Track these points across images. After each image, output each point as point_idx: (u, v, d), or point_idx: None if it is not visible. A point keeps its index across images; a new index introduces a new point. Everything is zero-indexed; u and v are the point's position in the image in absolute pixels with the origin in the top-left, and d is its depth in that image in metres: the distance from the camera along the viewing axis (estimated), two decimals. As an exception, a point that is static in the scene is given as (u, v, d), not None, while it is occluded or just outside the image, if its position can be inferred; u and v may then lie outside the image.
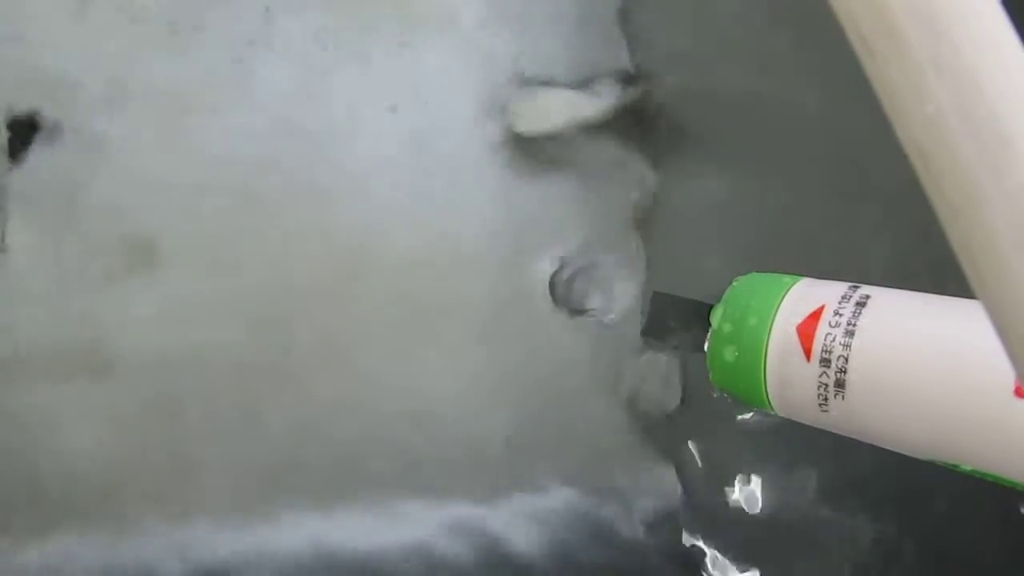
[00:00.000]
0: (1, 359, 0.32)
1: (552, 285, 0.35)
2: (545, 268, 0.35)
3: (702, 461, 0.34)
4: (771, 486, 0.32)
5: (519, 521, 0.34)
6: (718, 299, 0.22)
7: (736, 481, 0.32)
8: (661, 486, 0.35)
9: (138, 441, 0.32)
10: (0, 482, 0.32)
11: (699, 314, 0.22)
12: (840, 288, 0.21)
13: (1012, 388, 0.17)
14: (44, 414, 0.32)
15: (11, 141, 0.32)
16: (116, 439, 0.32)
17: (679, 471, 0.35)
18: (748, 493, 0.32)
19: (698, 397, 0.34)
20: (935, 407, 0.19)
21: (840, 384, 0.20)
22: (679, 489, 0.35)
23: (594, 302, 0.35)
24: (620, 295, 0.35)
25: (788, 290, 0.21)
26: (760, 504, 0.32)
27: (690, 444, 0.34)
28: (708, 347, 0.22)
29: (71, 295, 0.32)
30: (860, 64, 0.09)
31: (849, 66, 0.10)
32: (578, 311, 0.35)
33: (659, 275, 0.35)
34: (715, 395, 0.22)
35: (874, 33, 0.09)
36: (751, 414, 0.31)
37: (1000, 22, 0.09)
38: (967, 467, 0.19)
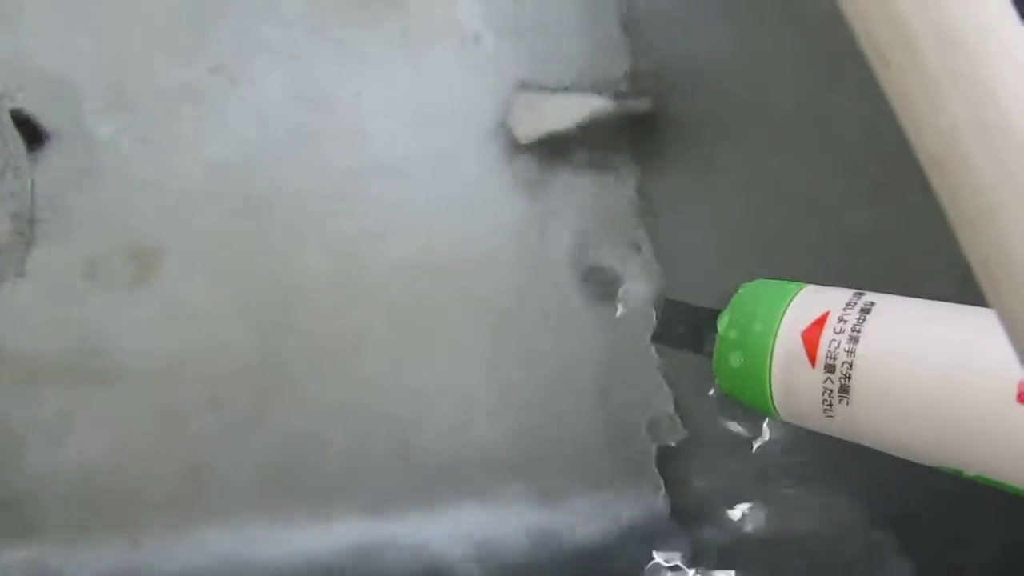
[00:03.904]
0: (3, 366, 0.32)
1: (559, 286, 0.35)
2: (547, 270, 0.35)
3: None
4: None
5: (523, 527, 0.34)
6: (725, 305, 0.22)
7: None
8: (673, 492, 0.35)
9: (142, 447, 0.32)
10: (5, 489, 0.32)
11: (707, 320, 0.22)
12: (845, 295, 0.21)
13: (1016, 394, 0.17)
14: (47, 422, 0.32)
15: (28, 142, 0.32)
16: (120, 446, 0.32)
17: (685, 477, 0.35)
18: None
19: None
20: (939, 413, 0.19)
21: (844, 390, 0.20)
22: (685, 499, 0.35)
23: (599, 306, 0.35)
24: (626, 299, 0.35)
25: (793, 296, 0.21)
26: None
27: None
28: (714, 353, 0.22)
29: (73, 301, 0.32)
30: (874, 74, 0.10)
31: (862, 67, 0.10)
32: (584, 310, 0.35)
33: (666, 280, 0.35)
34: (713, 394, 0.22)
35: (890, 44, 0.09)
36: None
37: (1017, 34, 0.09)
38: (971, 473, 0.19)
